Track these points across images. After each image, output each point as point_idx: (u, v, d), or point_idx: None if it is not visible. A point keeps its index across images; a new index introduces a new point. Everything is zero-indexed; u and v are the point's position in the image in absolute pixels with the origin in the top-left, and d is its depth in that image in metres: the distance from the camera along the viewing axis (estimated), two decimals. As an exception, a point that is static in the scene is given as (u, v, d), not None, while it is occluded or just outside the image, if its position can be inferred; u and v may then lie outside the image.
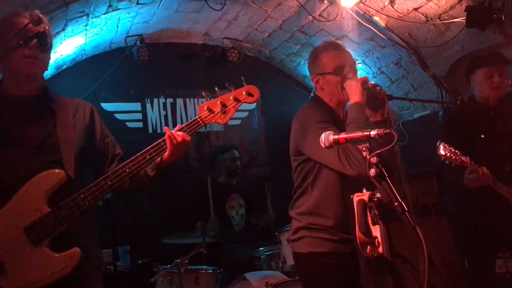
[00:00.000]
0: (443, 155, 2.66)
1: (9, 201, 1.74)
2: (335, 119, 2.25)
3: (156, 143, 1.88)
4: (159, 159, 1.91)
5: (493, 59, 3.14)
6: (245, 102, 1.95)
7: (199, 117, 1.94)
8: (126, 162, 1.86)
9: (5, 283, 1.67)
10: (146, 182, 1.96)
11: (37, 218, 1.72)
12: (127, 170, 1.84)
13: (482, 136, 3.08)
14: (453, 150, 2.68)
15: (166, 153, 1.87)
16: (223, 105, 1.94)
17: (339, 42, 2.38)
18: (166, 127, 1.92)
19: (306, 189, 2.25)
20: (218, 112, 1.94)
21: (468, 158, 2.73)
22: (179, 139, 1.86)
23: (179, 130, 1.91)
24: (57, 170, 1.78)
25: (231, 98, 1.95)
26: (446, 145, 2.68)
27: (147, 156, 1.86)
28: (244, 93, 1.95)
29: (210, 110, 1.94)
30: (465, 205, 3.07)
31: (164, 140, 1.87)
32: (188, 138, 1.89)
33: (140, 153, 1.87)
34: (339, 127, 2.13)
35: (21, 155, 1.80)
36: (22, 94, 1.89)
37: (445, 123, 3.31)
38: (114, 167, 1.89)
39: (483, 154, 3.01)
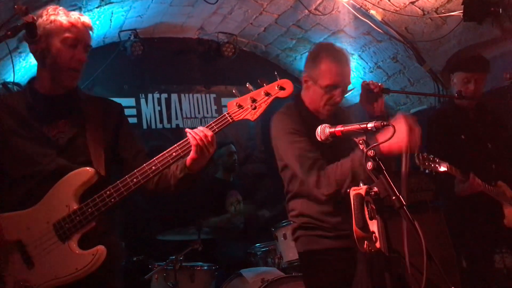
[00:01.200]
0: (420, 165, 2.59)
1: (41, 198, 1.78)
2: (312, 121, 2.15)
3: (182, 140, 1.83)
4: (187, 162, 1.86)
5: (473, 65, 3.09)
6: (277, 97, 1.84)
7: (227, 113, 1.86)
8: (152, 160, 1.82)
9: (32, 276, 1.72)
10: (172, 183, 1.93)
11: (66, 215, 1.75)
12: (153, 167, 1.81)
13: (463, 137, 3.06)
14: (431, 158, 2.61)
15: (192, 150, 1.81)
16: (253, 100, 1.85)
17: (344, 51, 2.24)
18: (187, 128, 1.85)
19: (294, 195, 2.29)
20: (248, 108, 1.86)
21: (448, 164, 2.67)
22: (201, 134, 1.79)
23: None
24: (89, 168, 1.81)
25: (262, 93, 1.85)
26: (423, 154, 2.60)
27: (174, 153, 1.82)
28: (276, 87, 1.85)
29: (239, 106, 1.86)
30: (458, 202, 3.05)
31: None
32: (210, 133, 1.81)
33: (166, 151, 1.83)
34: (314, 129, 2.00)
35: (49, 153, 1.83)
36: (54, 93, 1.92)
37: (427, 126, 3.28)
38: (140, 164, 1.85)
39: (466, 155, 3.00)
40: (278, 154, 2.28)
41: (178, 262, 3.31)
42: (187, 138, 1.81)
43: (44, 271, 1.73)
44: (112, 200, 1.77)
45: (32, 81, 1.97)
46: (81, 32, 1.89)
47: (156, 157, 1.82)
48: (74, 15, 1.91)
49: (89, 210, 1.75)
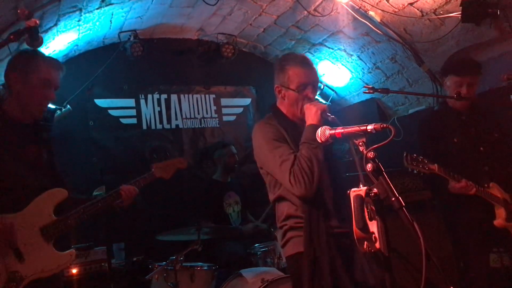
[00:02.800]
0: (408, 166, 2.61)
1: (26, 206, 2.19)
2: (293, 130, 2.31)
3: (115, 191, 2.52)
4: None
5: (464, 69, 3.11)
6: (179, 168, 2.99)
7: (152, 172, 2.80)
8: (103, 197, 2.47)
9: (23, 268, 2.10)
10: None
11: (50, 222, 2.22)
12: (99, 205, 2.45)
13: (455, 140, 3.08)
14: (420, 159, 2.64)
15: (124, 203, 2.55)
16: (169, 166, 2.90)
17: (307, 57, 2.44)
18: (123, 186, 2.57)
19: (278, 197, 2.30)
20: (168, 171, 2.89)
21: (437, 165, 2.70)
22: (134, 193, 2.58)
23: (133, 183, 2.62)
24: (65, 190, 2.32)
25: (176, 162, 2.99)
26: (411, 155, 2.62)
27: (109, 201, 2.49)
28: (181, 162, 3.02)
29: (161, 168, 2.84)
30: (452, 200, 3.07)
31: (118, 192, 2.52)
32: (137, 190, 2.61)
33: (102, 197, 2.47)
34: (297, 136, 2.24)
35: (29, 173, 2.25)
36: (24, 121, 2.32)
37: (419, 129, 3.30)
38: None
39: (459, 158, 3.02)
40: (260, 161, 2.35)
41: (178, 262, 3.32)
42: (118, 191, 2.51)
43: (33, 265, 2.12)
44: (85, 216, 2.33)
45: (2, 105, 2.29)
46: (55, 76, 2.32)
47: (98, 199, 2.45)
48: (52, 62, 2.34)
49: (69, 221, 2.27)
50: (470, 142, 3.10)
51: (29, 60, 2.24)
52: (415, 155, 2.65)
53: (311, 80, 2.33)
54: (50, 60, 2.34)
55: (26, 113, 2.30)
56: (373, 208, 1.49)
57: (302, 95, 2.30)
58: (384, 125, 1.50)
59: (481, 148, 3.10)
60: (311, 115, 2.20)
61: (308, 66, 2.35)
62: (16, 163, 2.21)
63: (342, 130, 1.62)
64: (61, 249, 2.27)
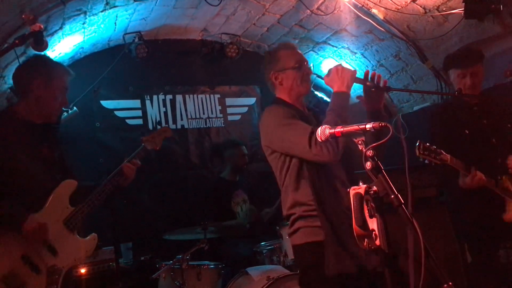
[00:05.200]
0: (420, 156, 2.59)
1: (46, 203, 2.35)
2: (299, 114, 2.27)
3: (116, 172, 2.65)
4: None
5: (465, 61, 3.08)
6: (166, 136, 3.08)
7: (143, 146, 2.88)
8: (105, 182, 2.60)
9: (58, 261, 2.31)
10: None
11: (70, 213, 2.41)
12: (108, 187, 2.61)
13: (467, 132, 3.05)
14: (433, 149, 2.61)
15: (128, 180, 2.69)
16: (157, 136, 3.00)
17: (292, 43, 2.47)
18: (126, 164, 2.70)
19: (290, 185, 2.27)
20: (155, 142, 2.96)
21: (449, 156, 2.68)
22: (134, 168, 2.70)
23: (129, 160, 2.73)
24: (73, 181, 2.48)
25: (161, 132, 3.07)
26: (424, 144, 2.59)
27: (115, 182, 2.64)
28: (166, 131, 3.11)
29: (148, 140, 2.93)
30: (463, 197, 3.05)
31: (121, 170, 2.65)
32: (139, 164, 2.74)
33: (107, 180, 2.61)
34: (303, 119, 2.21)
35: (44, 171, 2.40)
36: (40, 121, 2.45)
37: (430, 121, 3.29)
38: None
39: (471, 149, 2.99)
40: (271, 142, 2.29)
41: (184, 261, 3.35)
42: (120, 170, 2.64)
43: (66, 256, 2.35)
44: (97, 202, 2.50)
45: (16, 108, 2.45)
46: (68, 82, 2.52)
47: (105, 182, 2.59)
48: (67, 69, 2.56)
49: (85, 210, 2.45)
50: (482, 134, 3.06)
51: (51, 68, 2.45)
52: (428, 144, 2.62)
53: (304, 58, 2.37)
54: (65, 67, 2.58)
55: (42, 116, 2.44)
56: (373, 205, 1.50)
57: (301, 72, 2.31)
58: (383, 124, 1.51)
59: (493, 140, 3.06)
60: (341, 79, 2.13)
61: (295, 48, 2.42)
62: (31, 162, 2.34)
63: (342, 129, 1.62)
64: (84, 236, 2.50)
